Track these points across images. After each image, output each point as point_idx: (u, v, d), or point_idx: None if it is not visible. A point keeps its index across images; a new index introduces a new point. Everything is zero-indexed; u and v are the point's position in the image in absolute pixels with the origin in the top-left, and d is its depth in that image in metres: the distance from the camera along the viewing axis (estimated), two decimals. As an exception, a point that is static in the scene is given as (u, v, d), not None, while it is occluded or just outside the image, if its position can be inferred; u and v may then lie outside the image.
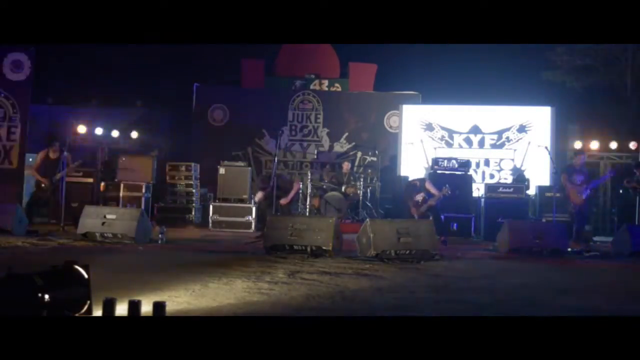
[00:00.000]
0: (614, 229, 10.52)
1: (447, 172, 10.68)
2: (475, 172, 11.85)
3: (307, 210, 10.81)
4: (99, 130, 12.27)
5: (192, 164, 11.38)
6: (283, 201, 8.90)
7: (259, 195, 9.17)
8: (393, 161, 12.77)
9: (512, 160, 12.03)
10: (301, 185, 9.41)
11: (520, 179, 10.96)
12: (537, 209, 10.72)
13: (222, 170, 10.56)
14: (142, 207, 10.01)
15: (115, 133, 12.70)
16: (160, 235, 7.67)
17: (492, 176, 12.05)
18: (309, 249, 6.53)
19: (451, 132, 12.48)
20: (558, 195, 9.32)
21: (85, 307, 3.14)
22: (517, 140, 12.08)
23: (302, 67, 13.86)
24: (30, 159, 10.28)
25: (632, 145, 11.91)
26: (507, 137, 12.25)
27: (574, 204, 9.37)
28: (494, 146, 12.26)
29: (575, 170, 9.37)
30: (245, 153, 13.12)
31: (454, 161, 10.84)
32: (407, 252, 6.54)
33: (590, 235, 10.04)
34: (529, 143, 11.88)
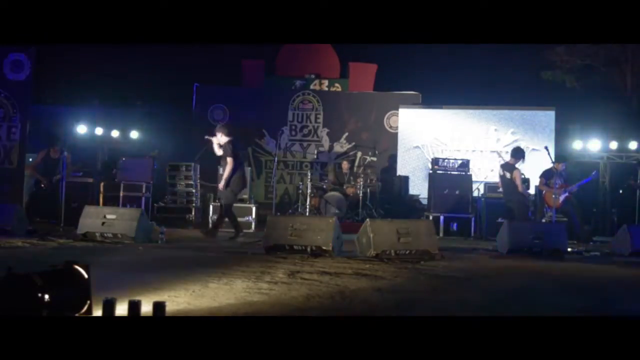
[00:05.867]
0: (614, 229, 10.52)
1: (447, 172, 10.68)
2: (476, 172, 11.85)
3: (307, 210, 10.81)
4: (99, 130, 12.27)
5: (192, 164, 11.37)
6: (220, 186, 8.50)
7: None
8: (393, 161, 12.77)
9: (512, 160, 12.02)
10: (234, 164, 8.28)
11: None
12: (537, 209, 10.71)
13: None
14: (142, 207, 10.00)
15: (115, 133, 12.70)
16: (160, 235, 7.67)
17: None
18: (309, 249, 6.53)
19: (450, 133, 12.49)
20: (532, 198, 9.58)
21: (85, 307, 3.14)
22: (517, 141, 12.07)
23: (302, 67, 13.87)
24: (30, 159, 10.28)
25: (632, 145, 11.92)
26: (507, 138, 12.26)
27: (548, 206, 9.54)
28: (494, 146, 12.27)
29: (554, 174, 9.44)
30: (245, 153, 13.10)
31: (454, 161, 10.85)
32: (407, 252, 6.54)
33: (590, 235, 10.05)
34: (528, 147, 11.89)
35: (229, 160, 8.40)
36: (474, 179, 11.02)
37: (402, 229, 6.59)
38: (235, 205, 10.33)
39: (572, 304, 4.38)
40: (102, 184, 11.07)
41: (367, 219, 6.88)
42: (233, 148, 8.49)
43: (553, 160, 9.72)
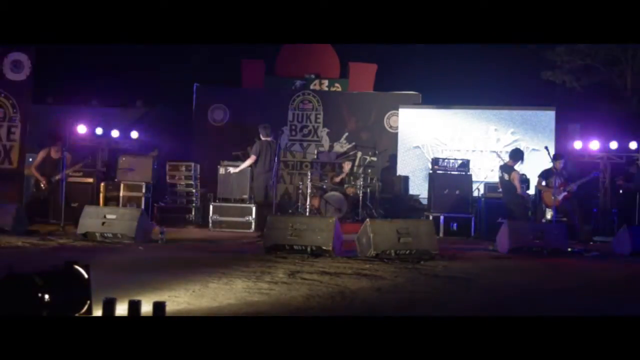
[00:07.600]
0: (614, 229, 10.52)
1: (447, 172, 10.68)
2: (476, 172, 11.84)
3: (307, 210, 10.81)
4: (99, 130, 12.27)
5: (192, 164, 11.37)
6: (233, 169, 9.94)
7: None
8: (393, 161, 12.77)
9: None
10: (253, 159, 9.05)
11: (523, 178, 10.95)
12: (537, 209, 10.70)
13: (222, 170, 10.56)
14: (142, 207, 10.00)
15: (115, 133, 12.69)
16: (160, 235, 7.67)
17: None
18: (309, 249, 6.53)
19: (450, 133, 12.48)
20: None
21: (85, 307, 3.14)
22: (517, 141, 12.07)
23: (302, 67, 13.85)
24: (30, 159, 10.26)
25: (632, 145, 11.92)
26: (507, 138, 12.26)
27: (547, 205, 9.62)
28: (494, 147, 12.27)
29: (553, 174, 9.42)
30: (245, 153, 13.07)
31: (453, 161, 10.85)
32: (407, 252, 6.54)
33: (590, 235, 10.04)
34: (528, 147, 11.89)
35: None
36: (474, 179, 11.02)
37: (402, 229, 6.59)
38: (234, 205, 10.36)
39: (572, 304, 4.38)
40: (102, 184, 11.07)
41: (367, 219, 6.88)
42: (255, 148, 8.99)
43: (552, 159, 9.72)
